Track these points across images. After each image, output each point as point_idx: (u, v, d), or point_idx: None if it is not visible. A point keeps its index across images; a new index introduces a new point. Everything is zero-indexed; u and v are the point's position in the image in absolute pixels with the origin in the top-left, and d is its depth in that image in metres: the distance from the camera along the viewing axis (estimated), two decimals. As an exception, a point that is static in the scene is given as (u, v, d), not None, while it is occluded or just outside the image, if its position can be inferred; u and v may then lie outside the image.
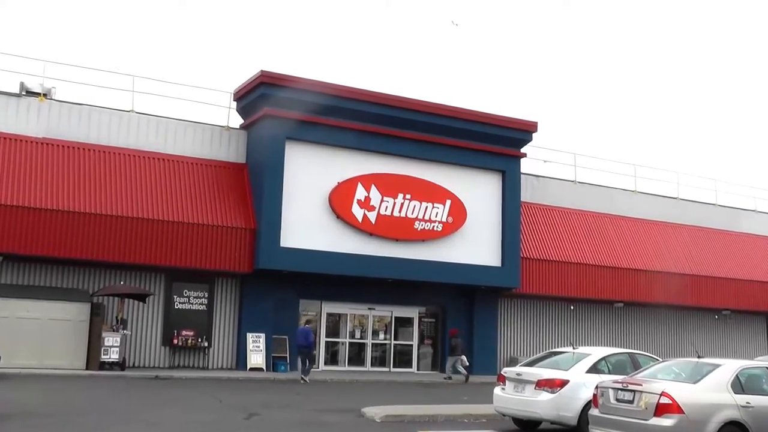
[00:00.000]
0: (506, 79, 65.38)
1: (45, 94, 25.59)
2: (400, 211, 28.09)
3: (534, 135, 30.82)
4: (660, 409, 11.49)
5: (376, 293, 28.89)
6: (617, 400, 12.19)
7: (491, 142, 29.76)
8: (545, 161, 33.86)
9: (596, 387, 12.83)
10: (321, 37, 62.99)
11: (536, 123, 30.66)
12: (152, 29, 59.94)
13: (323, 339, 28.61)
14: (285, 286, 27.16)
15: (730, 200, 38.51)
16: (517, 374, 14.64)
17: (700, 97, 70.09)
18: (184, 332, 26.14)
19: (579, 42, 69.46)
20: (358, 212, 27.42)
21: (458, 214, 29.11)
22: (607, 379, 13.19)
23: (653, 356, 15.81)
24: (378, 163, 28.03)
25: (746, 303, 35.64)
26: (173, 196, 25.75)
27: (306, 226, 26.58)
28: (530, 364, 15.46)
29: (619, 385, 12.28)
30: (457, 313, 30.48)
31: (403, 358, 30.28)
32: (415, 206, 28.31)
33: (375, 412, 16.03)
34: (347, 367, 28.72)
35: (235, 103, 28.24)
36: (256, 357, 26.28)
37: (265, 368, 26.17)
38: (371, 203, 27.65)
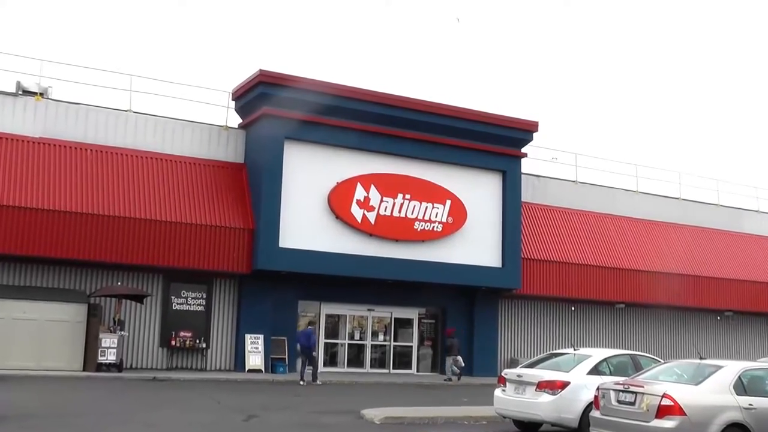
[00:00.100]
0: (507, 78, 65.42)
1: (42, 94, 25.56)
2: (399, 212, 28.08)
3: (535, 135, 30.82)
4: (662, 411, 11.48)
5: (375, 294, 28.88)
6: (618, 401, 12.19)
7: (492, 142, 29.75)
8: (553, 158, 33.90)
9: (597, 389, 12.82)
10: (320, 36, 63.02)
11: (537, 123, 30.66)
12: (150, 28, 59.97)
13: (322, 340, 28.59)
14: (284, 287, 27.16)
15: (733, 200, 38.55)
16: (518, 376, 14.64)
17: (702, 97, 70.15)
18: (181, 333, 26.12)
19: (580, 41, 69.51)
20: (357, 212, 27.41)
21: (458, 214, 29.10)
22: (608, 380, 13.19)
23: (655, 358, 15.83)
24: (377, 163, 28.02)
25: (749, 304, 35.64)
26: (171, 196, 25.74)
27: (305, 226, 26.57)
28: (531, 365, 15.46)
29: (621, 387, 12.28)
30: (457, 314, 30.47)
31: (402, 359, 30.27)
32: (414, 206, 28.30)
33: (374, 413, 16.03)
34: (346, 369, 28.72)
35: (234, 102, 28.23)
36: (255, 358, 26.27)
37: (263, 370, 26.17)
38: (371, 203, 27.64)
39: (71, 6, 58.91)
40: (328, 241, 26.80)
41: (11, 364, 22.09)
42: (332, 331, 29.33)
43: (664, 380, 12.45)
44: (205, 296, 26.82)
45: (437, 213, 28.68)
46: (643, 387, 12.02)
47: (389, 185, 27.99)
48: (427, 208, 28.52)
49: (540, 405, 13.91)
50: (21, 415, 14.22)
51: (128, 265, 25.03)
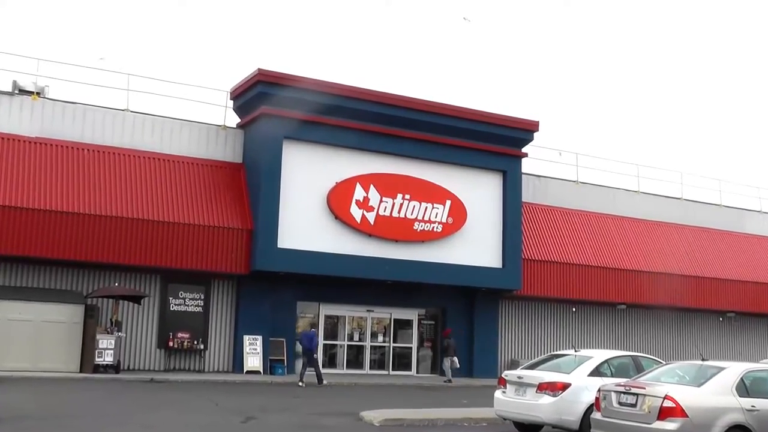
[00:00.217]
0: (507, 78, 65.43)
1: (38, 93, 25.54)
2: (399, 212, 28.07)
3: (535, 134, 30.81)
4: (663, 413, 11.47)
5: (374, 295, 28.87)
6: (620, 403, 12.17)
7: (492, 142, 29.74)
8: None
9: (599, 390, 12.81)
10: (319, 36, 63.01)
11: (538, 122, 30.65)
12: (149, 27, 59.95)
13: (321, 341, 28.56)
14: (282, 288, 27.15)
15: (735, 201, 38.54)
16: (518, 377, 14.61)
17: (704, 97, 70.16)
18: (179, 334, 26.11)
19: (580, 41, 69.52)
20: (356, 213, 27.40)
21: (458, 214, 29.09)
22: (609, 382, 13.17)
23: (656, 359, 15.80)
24: (377, 163, 28.01)
25: (751, 305, 35.63)
26: (169, 196, 25.72)
27: (304, 226, 26.56)
28: (531, 367, 15.45)
29: (622, 389, 12.26)
30: (458, 315, 30.46)
31: (402, 360, 30.26)
32: (414, 207, 28.29)
33: (374, 415, 16.02)
34: (345, 370, 28.71)
35: (232, 102, 28.21)
36: (253, 360, 26.26)
37: (262, 371, 26.16)
38: (370, 204, 27.63)
39: (68, 5, 58.93)
40: (327, 242, 26.79)
41: (7, 365, 22.07)
42: (331, 332, 29.32)
43: (666, 382, 12.44)
44: (203, 297, 26.81)
45: (437, 213, 28.67)
46: (644, 388, 12.00)
47: (389, 185, 27.98)
48: (426, 208, 28.51)
49: (541, 407, 13.89)
50: (17, 417, 14.20)
51: (126, 266, 25.02)
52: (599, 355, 15.00)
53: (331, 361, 29.04)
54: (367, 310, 29.72)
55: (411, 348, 30.46)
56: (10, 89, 25.24)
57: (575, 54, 68.61)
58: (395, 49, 63.32)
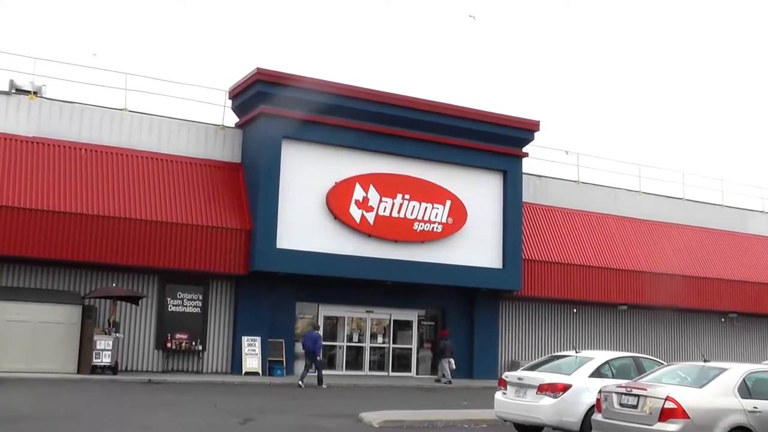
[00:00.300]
0: (507, 78, 65.43)
1: (35, 92, 25.54)
2: (398, 212, 28.06)
3: (536, 134, 30.81)
4: (665, 414, 11.46)
5: (374, 296, 28.86)
6: (621, 404, 12.16)
7: (492, 142, 29.73)
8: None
9: (599, 392, 12.80)
10: (318, 35, 63.00)
11: (538, 122, 30.64)
12: (146, 26, 59.94)
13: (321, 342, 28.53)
14: (281, 289, 27.14)
15: (737, 201, 38.52)
16: (519, 378, 14.61)
17: (706, 96, 70.16)
18: (177, 335, 26.10)
19: (581, 40, 69.52)
20: (356, 213, 27.39)
21: (458, 214, 29.08)
22: (610, 383, 13.16)
23: (658, 360, 15.80)
24: (376, 163, 28.00)
25: (753, 306, 35.61)
26: (167, 196, 25.71)
27: (303, 227, 26.55)
28: (532, 368, 15.44)
29: (623, 390, 12.25)
30: (458, 316, 30.45)
31: (401, 362, 30.25)
32: (414, 207, 28.28)
33: (373, 417, 16.00)
34: (345, 372, 28.69)
35: (231, 101, 28.20)
36: (252, 361, 26.25)
37: (260, 372, 26.15)
38: (369, 204, 27.62)
39: (66, 4, 58.92)
40: (326, 242, 26.77)
41: (4, 366, 22.05)
42: (330, 333, 29.29)
43: (668, 383, 12.43)
44: (201, 298, 26.79)
45: (437, 213, 28.66)
46: (646, 390, 11.99)
47: (388, 185, 27.97)
48: (426, 208, 28.50)
49: (541, 408, 13.88)
50: (13, 418, 14.19)
51: (123, 266, 25.01)
52: (600, 356, 14.99)
53: (330, 362, 29.01)
54: (367, 311, 29.71)
55: (411, 349, 30.44)
56: (6, 89, 25.24)
57: (576, 53, 68.65)
58: (394, 48, 63.34)
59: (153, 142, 26.64)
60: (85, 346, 23.33)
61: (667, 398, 11.54)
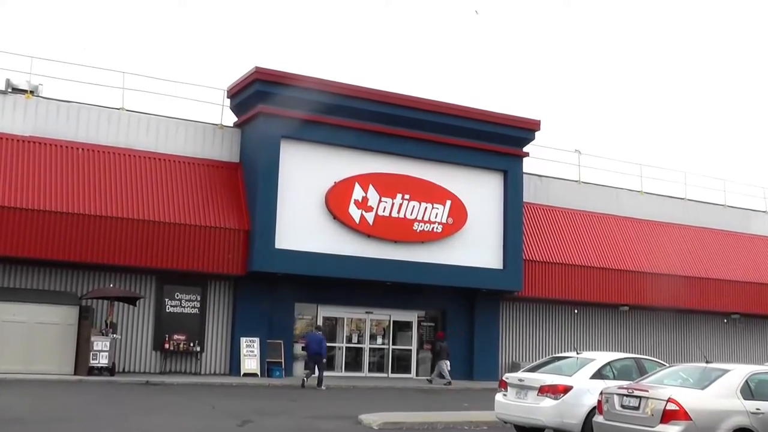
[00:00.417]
0: (508, 77, 65.43)
1: (32, 91, 25.52)
2: (398, 212, 28.05)
3: (537, 134, 30.80)
4: (667, 416, 11.44)
5: (373, 296, 28.85)
6: (622, 406, 12.14)
7: (493, 141, 29.72)
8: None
9: (601, 393, 12.77)
10: (318, 35, 62.99)
11: (539, 121, 30.63)
12: (144, 25, 59.93)
13: (319, 344, 28.55)
14: (280, 289, 27.13)
15: (740, 201, 38.51)
16: (520, 380, 14.59)
17: (709, 95, 70.16)
18: (175, 336, 26.09)
19: (583, 39, 69.53)
20: (355, 213, 27.38)
21: (459, 215, 29.07)
22: (612, 384, 13.13)
23: (660, 361, 15.78)
24: (376, 163, 27.99)
25: (756, 307, 35.61)
26: (165, 196, 25.70)
27: (301, 227, 26.53)
28: (533, 369, 15.42)
29: (625, 391, 12.23)
30: (458, 317, 30.45)
31: (401, 363, 30.25)
32: (414, 207, 28.27)
33: (372, 419, 15.99)
34: (344, 373, 28.68)
35: (229, 100, 28.18)
36: (250, 362, 26.23)
37: (259, 374, 26.14)
38: (369, 204, 27.61)
39: (62, 2, 58.90)
40: (325, 242, 26.76)
41: (0, 367, 22.01)
42: (329, 334, 29.24)
43: (669, 384, 12.41)
44: (199, 298, 26.78)
45: (437, 213, 28.65)
46: (647, 391, 11.97)
47: (388, 185, 27.96)
48: (426, 208, 28.49)
49: (542, 410, 13.86)
50: (9, 420, 14.16)
51: (121, 267, 25.00)
52: (601, 358, 14.97)
53: (329, 363, 28.95)
54: (366, 312, 29.70)
55: (410, 350, 30.43)
56: (3, 88, 25.23)
57: (577, 53, 68.65)
58: (393, 48, 63.35)
59: (151, 141, 26.62)
60: (82, 347, 23.31)
61: (669, 400, 11.52)
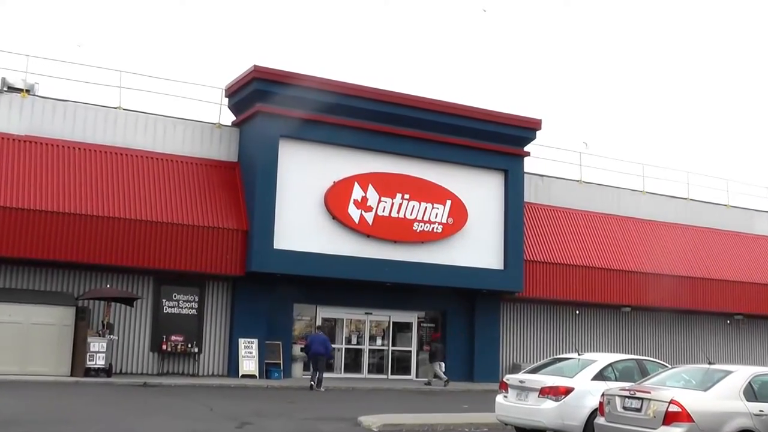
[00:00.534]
0: (509, 76, 65.44)
1: (28, 90, 25.51)
2: (398, 212, 28.04)
3: (538, 133, 30.80)
4: (669, 418, 11.44)
5: (373, 297, 28.85)
6: (624, 408, 12.14)
7: (493, 141, 29.72)
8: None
9: (602, 395, 12.79)
10: (316, 33, 62.99)
11: (540, 121, 30.63)
12: (141, 23, 59.91)
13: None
14: (278, 290, 27.14)
15: (743, 201, 38.50)
16: (520, 381, 14.60)
17: (711, 95, 70.16)
18: (173, 337, 26.08)
19: (584, 38, 69.53)
20: (354, 213, 27.38)
21: (459, 214, 29.07)
22: (613, 386, 13.15)
23: (662, 363, 15.77)
24: (375, 162, 27.98)
25: (759, 307, 35.59)
26: (162, 196, 25.68)
27: (300, 227, 26.53)
28: (534, 371, 15.42)
29: (627, 393, 12.24)
30: (458, 318, 30.45)
31: (401, 364, 30.25)
32: (414, 207, 28.27)
33: (372, 421, 15.98)
34: (343, 374, 28.69)
35: (227, 99, 28.17)
36: (249, 363, 26.23)
37: (257, 375, 26.13)
38: (368, 204, 27.61)
39: (59, 0, 58.88)
40: (324, 243, 26.76)
41: (-4, 369, 22.05)
42: (329, 335, 29.17)
43: (672, 386, 12.41)
44: (197, 299, 26.77)
45: (437, 213, 28.64)
46: (649, 393, 11.97)
47: (388, 185, 27.95)
48: (426, 208, 28.49)
49: (543, 412, 13.86)
50: (4, 422, 14.15)
51: (118, 267, 24.99)
52: (603, 359, 14.98)
53: (328, 364, 28.95)
54: (366, 313, 29.69)
55: (410, 351, 30.43)
56: (-1, 86, 25.22)
57: (578, 52, 68.66)
58: (393, 47, 63.35)
59: (148, 140, 26.61)
60: (79, 348, 23.30)
61: (672, 401, 11.52)
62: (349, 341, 29.61)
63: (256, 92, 26.32)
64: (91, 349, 23.34)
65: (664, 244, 34.22)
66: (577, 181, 34.23)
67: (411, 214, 28.23)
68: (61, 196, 24.10)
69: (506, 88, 62.78)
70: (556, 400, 13.79)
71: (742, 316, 36.22)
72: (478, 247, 29.39)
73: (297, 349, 27.76)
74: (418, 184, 28.48)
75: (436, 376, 27.90)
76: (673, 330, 35.28)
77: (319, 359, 24.35)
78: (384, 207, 27.82)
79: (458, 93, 63.20)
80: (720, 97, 70.09)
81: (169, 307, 26.36)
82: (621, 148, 64.41)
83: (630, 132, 65.67)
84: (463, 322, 30.43)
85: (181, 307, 26.52)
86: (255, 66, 26.26)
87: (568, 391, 13.82)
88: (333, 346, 29.04)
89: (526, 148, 30.89)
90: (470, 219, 29.27)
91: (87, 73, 30.78)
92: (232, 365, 26.48)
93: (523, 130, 30.42)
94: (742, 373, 12.28)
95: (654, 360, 16.10)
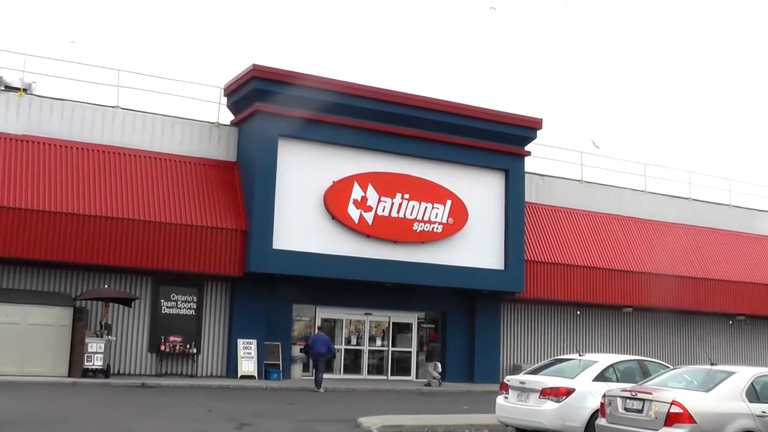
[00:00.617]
0: (510, 75, 65.43)
1: (25, 89, 25.50)
2: (398, 212, 28.03)
3: (539, 132, 30.80)
4: (671, 419, 11.44)
5: (373, 298, 28.84)
6: (626, 409, 12.15)
7: (494, 140, 29.71)
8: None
9: (604, 396, 12.80)
10: (316, 32, 62.99)
11: (541, 120, 30.62)
12: (139, 21, 59.91)
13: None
14: (278, 290, 27.12)
15: (746, 201, 38.48)
16: (521, 382, 14.60)
17: (714, 94, 70.17)
18: (171, 338, 26.07)
19: (586, 37, 69.53)
20: (354, 213, 27.36)
21: (459, 214, 29.06)
22: (615, 387, 13.16)
23: (663, 363, 15.77)
24: (375, 162, 27.97)
25: (761, 308, 35.58)
26: (160, 195, 25.67)
27: (299, 227, 26.52)
28: (534, 371, 15.43)
29: (628, 394, 12.24)
30: (458, 318, 30.44)
31: (401, 365, 30.24)
32: (414, 207, 28.25)
33: (372, 422, 15.98)
34: (343, 375, 28.67)
35: (226, 98, 28.15)
36: (248, 364, 26.22)
37: (256, 376, 26.12)
38: (368, 203, 27.60)
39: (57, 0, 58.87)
40: (323, 243, 26.75)
41: (-7, 369, 22.04)
42: (328, 336, 29.18)
43: (673, 387, 12.41)
44: (195, 299, 26.76)
45: (437, 213, 28.63)
46: (651, 394, 11.98)
47: (387, 185, 27.94)
48: (426, 208, 28.48)
49: (544, 413, 13.87)
50: (1, 423, 14.13)
51: (116, 267, 24.98)
52: (604, 360, 14.98)
53: (328, 365, 28.93)
54: (365, 314, 29.68)
55: (410, 352, 30.42)
56: (-5, 85, 25.22)
57: (580, 51, 68.67)
58: (393, 46, 63.35)
59: (146, 140, 26.60)
60: (77, 349, 23.29)
61: (673, 402, 11.52)
62: (348, 342, 29.61)
63: (255, 91, 26.31)
64: (89, 350, 23.33)
65: (665, 244, 34.20)
66: (578, 180, 34.22)
67: (411, 214, 28.23)
68: (59, 196, 24.08)
69: (506, 88, 62.81)
70: (557, 401, 13.80)
71: (744, 316, 36.21)
72: (479, 248, 29.38)
73: (296, 350, 27.76)
74: (418, 183, 28.47)
75: (433, 376, 27.86)
76: (674, 330, 35.27)
77: (320, 360, 24.36)
78: (384, 207, 27.81)
79: (458, 92, 63.24)
80: (722, 96, 70.13)
81: (167, 307, 26.35)
82: (622, 148, 64.46)
83: (631, 131, 65.70)
84: (463, 323, 30.43)
85: (180, 308, 26.51)
86: (254, 65, 26.25)
87: (569, 392, 13.83)
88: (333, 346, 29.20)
89: (527, 148, 30.88)
90: (471, 219, 29.26)
91: (84, 72, 30.83)
92: (230, 366, 26.47)
93: (524, 130, 30.41)
94: (744, 374, 12.29)
95: (655, 361, 16.11)
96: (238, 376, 25.89)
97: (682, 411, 11.40)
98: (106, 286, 25.17)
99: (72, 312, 23.67)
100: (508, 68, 65.50)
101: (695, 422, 11.31)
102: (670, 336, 35.14)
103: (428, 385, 27.66)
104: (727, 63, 70.92)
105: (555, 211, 32.83)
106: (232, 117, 28.32)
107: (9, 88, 25.34)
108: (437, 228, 28.61)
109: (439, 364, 28.15)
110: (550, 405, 13.83)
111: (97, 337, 23.82)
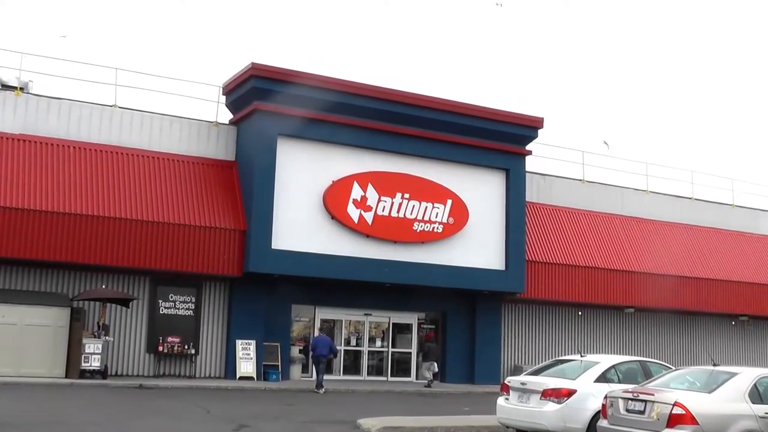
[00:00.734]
0: (511, 75, 65.44)
1: (22, 88, 25.51)
2: (398, 212, 28.03)
3: (540, 132, 30.80)
4: (673, 420, 11.45)
5: (372, 298, 28.85)
6: (627, 410, 12.15)
7: (495, 139, 29.71)
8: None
9: (605, 397, 12.80)
10: (315, 31, 63.00)
11: (542, 119, 30.62)
12: (137, 19, 59.91)
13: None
14: (276, 291, 27.12)
15: (748, 200, 38.50)
16: (522, 384, 14.60)
17: (716, 93, 70.18)
18: (169, 339, 26.07)
19: (587, 37, 69.55)
20: (353, 212, 27.36)
21: (460, 214, 29.06)
22: (616, 388, 13.17)
23: (665, 364, 15.79)
24: (375, 161, 27.97)
25: (764, 308, 35.59)
26: (158, 195, 25.67)
27: (299, 227, 26.52)
28: (535, 372, 15.44)
29: (630, 395, 12.24)
30: (458, 319, 30.44)
31: (401, 366, 30.25)
32: (414, 206, 28.25)
33: (371, 423, 15.98)
34: (342, 376, 28.67)
35: (225, 97, 28.15)
36: (246, 365, 26.22)
37: (255, 377, 26.12)
38: (368, 203, 27.59)
39: (54, -4, 58.86)
40: (323, 243, 26.75)
41: (-10, 370, 22.03)
42: (328, 336, 29.23)
43: (676, 388, 12.42)
44: (194, 300, 26.76)
45: (437, 213, 28.63)
46: (653, 395, 11.98)
47: (387, 184, 27.94)
48: (426, 208, 28.47)
49: (545, 414, 13.87)
50: (-1, 425, 14.16)
51: (113, 268, 24.98)
52: (606, 361, 14.98)
53: (327, 366, 28.92)
54: (365, 314, 29.68)
55: (410, 353, 30.42)
56: (-8, 84, 25.21)
57: (581, 50, 68.68)
58: (393, 45, 63.36)
59: (144, 139, 26.60)
60: (74, 350, 23.29)
61: (675, 404, 11.53)
62: (348, 343, 29.61)
63: (254, 90, 26.31)
64: (87, 351, 23.34)
65: (668, 244, 34.21)
66: (580, 180, 34.22)
67: (411, 214, 28.22)
68: (56, 196, 24.08)
69: (507, 87, 62.83)
70: (559, 403, 13.81)
71: (747, 317, 36.21)
72: (479, 248, 29.38)
73: (295, 351, 27.77)
74: (418, 183, 28.47)
75: (425, 374, 27.85)
76: (676, 331, 35.28)
77: (321, 362, 24.38)
78: (384, 206, 27.81)
79: (458, 91, 63.23)
80: (724, 95, 70.14)
81: (165, 308, 26.35)
82: (624, 147, 64.49)
83: (633, 131, 65.71)
84: (463, 324, 30.43)
85: (178, 308, 26.51)
86: (253, 63, 26.24)
87: (570, 393, 13.84)
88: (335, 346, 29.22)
89: (528, 147, 30.88)
90: (471, 219, 29.26)
91: (82, 71, 30.74)
92: (229, 367, 26.47)
93: (525, 129, 30.41)
94: (747, 375, 12.29)
95: (657, 362, 16.10)
96: (237, 377, 25.90)
97: (684, 412, 11.40)
98: (103, 287, 25.17)
99: (69, 312, 23.66)
100: (508, 67, 65.52)
101: (698, 423, 11.32)
102: (672, 337, 35.14)
103: (428, 386, 27.67)
104: (729, 62, 70.95)
105: (556, 210, 32.82)
106: (230, 116, 28.32)
107: (6, 87, 25.35)
108: (437, 228, 28.62)
109: (436, 365, 28.15)
110: (551, 406, 13.85)
111: (95, 337, 23.82)
